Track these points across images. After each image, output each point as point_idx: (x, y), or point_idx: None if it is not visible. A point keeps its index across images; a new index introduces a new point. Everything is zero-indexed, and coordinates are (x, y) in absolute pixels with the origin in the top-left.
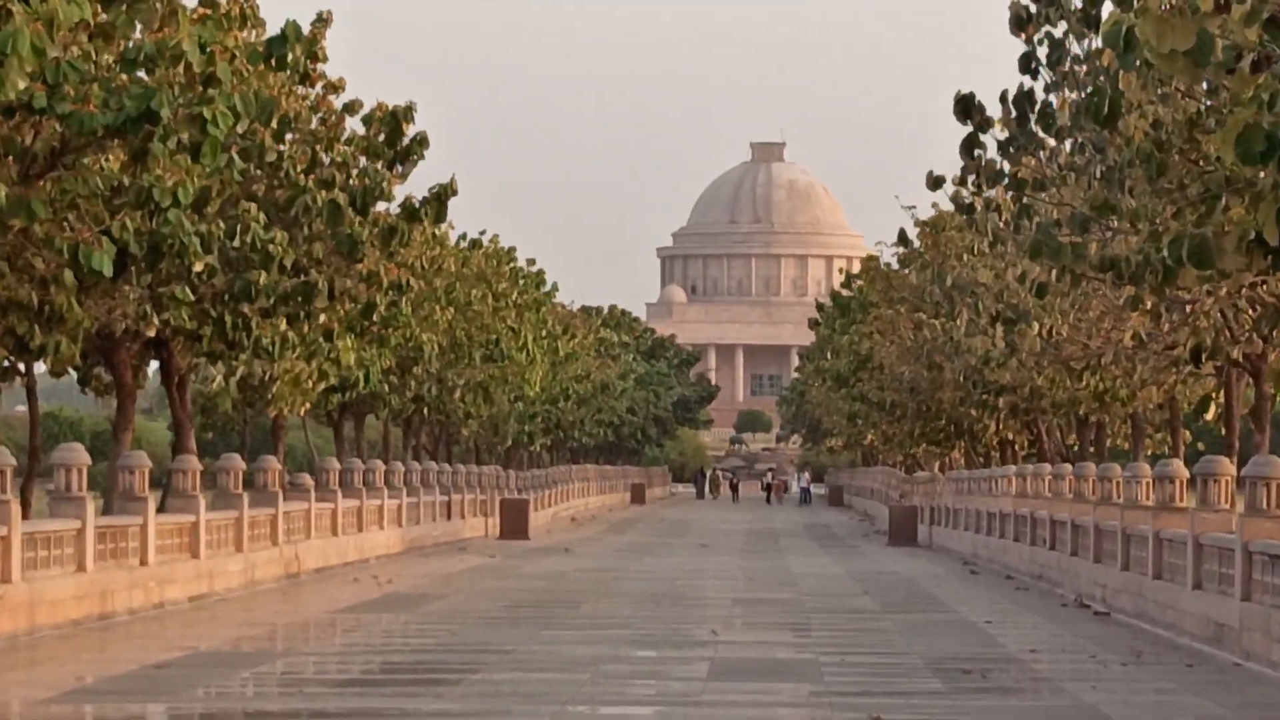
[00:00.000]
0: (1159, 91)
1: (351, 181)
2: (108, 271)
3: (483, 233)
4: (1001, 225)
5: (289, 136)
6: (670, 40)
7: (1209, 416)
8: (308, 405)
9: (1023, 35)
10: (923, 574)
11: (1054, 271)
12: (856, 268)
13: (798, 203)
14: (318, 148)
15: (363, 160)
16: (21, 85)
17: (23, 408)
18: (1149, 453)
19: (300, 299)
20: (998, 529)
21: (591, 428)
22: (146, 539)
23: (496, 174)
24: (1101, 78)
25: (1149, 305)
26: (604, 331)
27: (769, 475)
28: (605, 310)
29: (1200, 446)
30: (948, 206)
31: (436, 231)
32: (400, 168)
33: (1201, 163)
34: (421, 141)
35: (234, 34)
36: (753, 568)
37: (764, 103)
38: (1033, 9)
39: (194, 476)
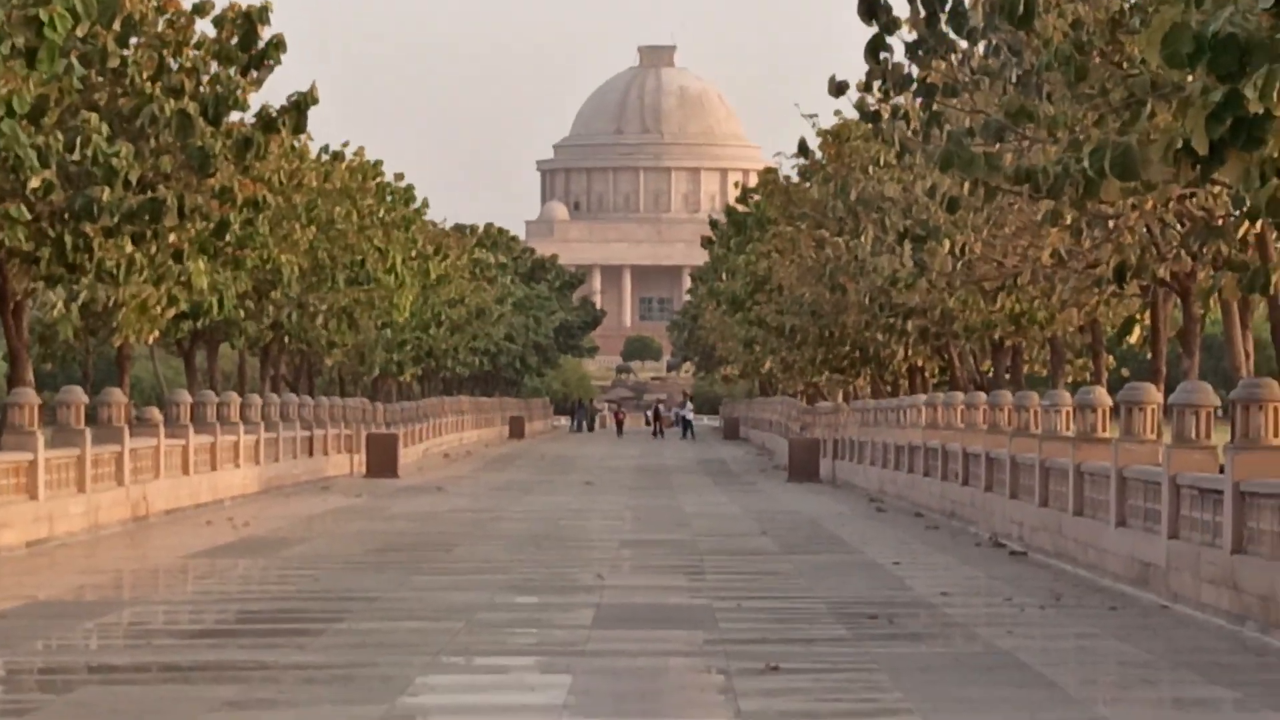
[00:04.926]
0: None
1: (202, 89)
2: None
3: (345, 145)
4: (909, 134)
5: (133, 40)
6: None
7: (1133, 340)
8: (156, 333)
9: None
10: (825, 512)
11: (966, 184)
12: (754, 181)
13: (689, 111)
14: (165, 52)
15: (214, 66)
16: None
17: None
18: (1069, 380)
19: (147, 217)
20: (906, 463)
21: (466, 356)
22: None
23: (361, 81)
24: None
25: (1069, 220)
26: (479, 252)
27: (657, 406)
28: (480, 229)
29: (1124, 372)
30: (852, 115)
31: (295, 144)
32: (255, 74)
33: (1125, 66)
34: (278, 45)
35: None
36: (642, 507)
37: (652, 2)
38: None
39: (31, 411)
